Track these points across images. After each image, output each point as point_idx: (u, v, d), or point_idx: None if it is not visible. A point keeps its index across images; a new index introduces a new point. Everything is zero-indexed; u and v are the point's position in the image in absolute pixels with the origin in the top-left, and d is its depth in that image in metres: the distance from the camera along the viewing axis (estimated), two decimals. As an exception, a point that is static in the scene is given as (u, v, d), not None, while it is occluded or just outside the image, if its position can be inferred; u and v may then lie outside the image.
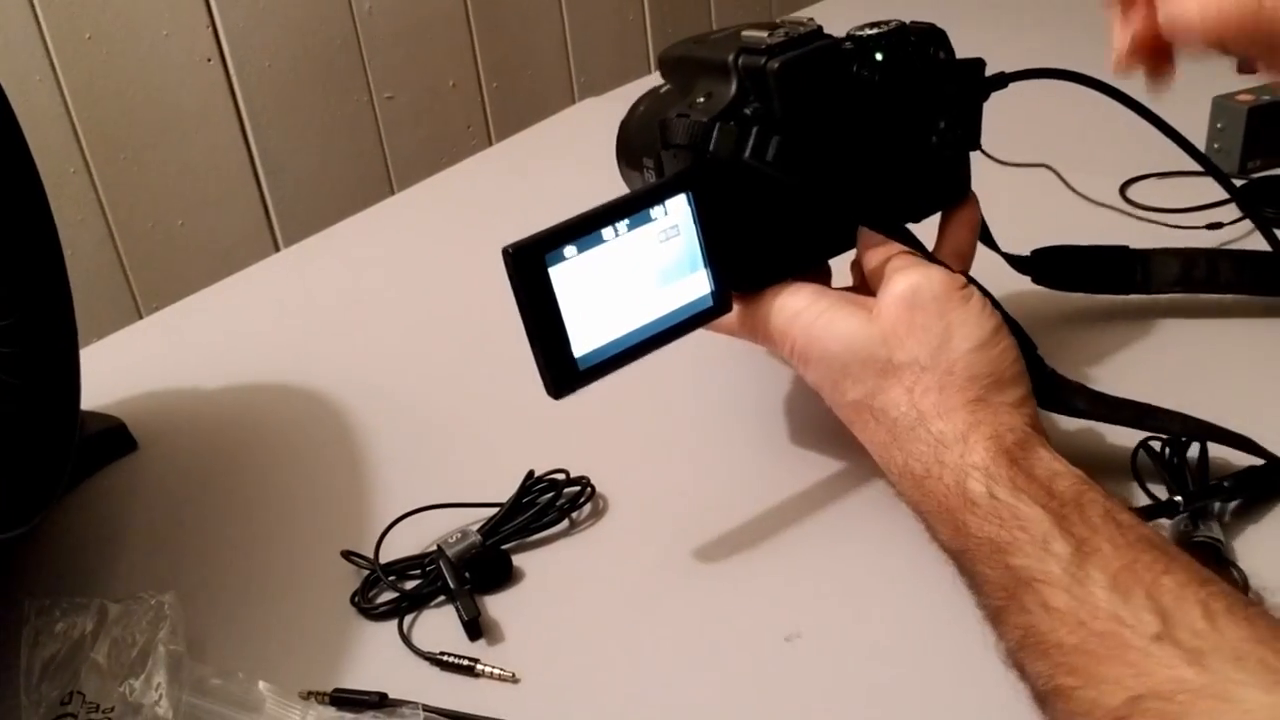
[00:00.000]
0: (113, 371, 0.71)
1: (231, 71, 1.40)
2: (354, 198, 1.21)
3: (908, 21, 0.51)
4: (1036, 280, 0.62)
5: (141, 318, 1.23)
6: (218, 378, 0.70)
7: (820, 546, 0.51)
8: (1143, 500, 0.50)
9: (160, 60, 1.33)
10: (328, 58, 1.48)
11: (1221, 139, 0.77)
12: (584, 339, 0.47)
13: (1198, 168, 0.56)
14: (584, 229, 0.46)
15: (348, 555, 0.53)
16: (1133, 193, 0.76)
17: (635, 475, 0.57)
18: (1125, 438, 0.52)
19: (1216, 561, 0.45)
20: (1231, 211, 0.68)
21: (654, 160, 0.52)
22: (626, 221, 0.47)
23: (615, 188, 0.90)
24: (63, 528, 0.58)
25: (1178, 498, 0.47)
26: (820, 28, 0.49)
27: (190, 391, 0.70)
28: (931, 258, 0.50)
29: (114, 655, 0.46)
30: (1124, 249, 0.63)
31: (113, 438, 0.64)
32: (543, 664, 0.46)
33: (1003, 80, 0.53)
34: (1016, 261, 0.61)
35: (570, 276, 0.46)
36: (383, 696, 0.45)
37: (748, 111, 0.48)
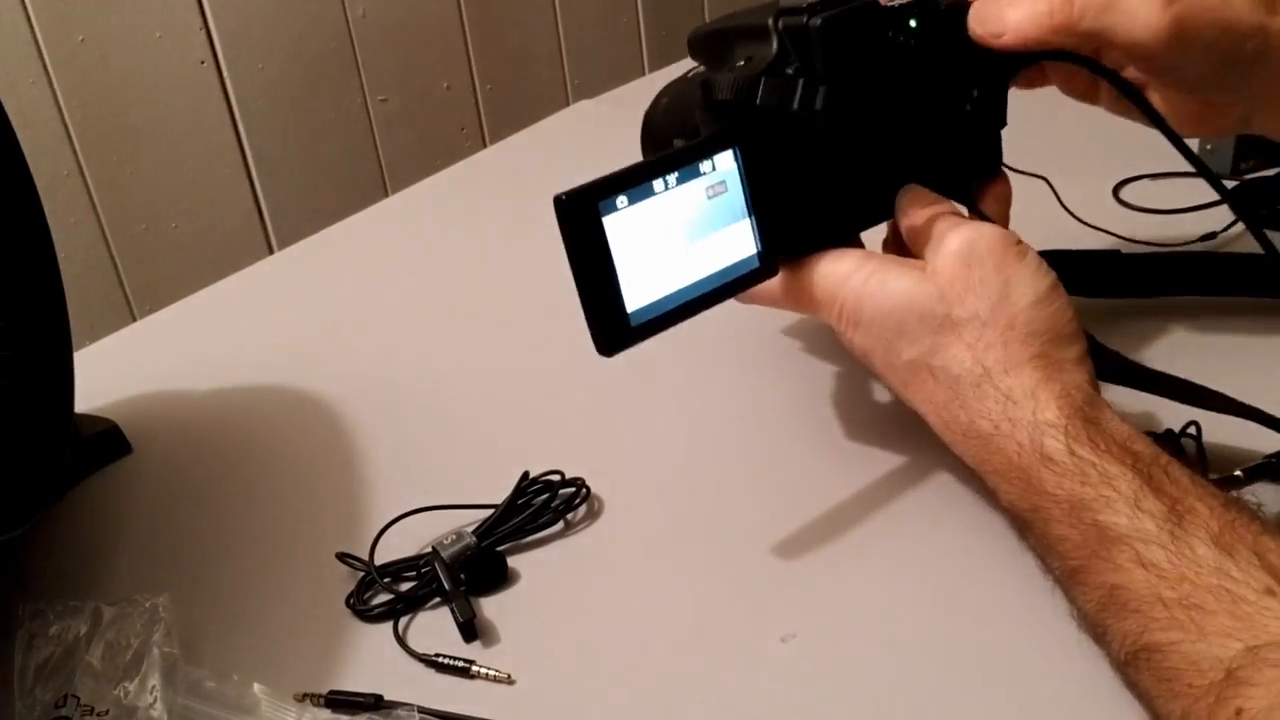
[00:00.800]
0: (106, 374, 0.71)
1: (225, 74, 1.40)
2: (348, 200, 1.21)
3: None
4: None
5: (135, 320, 1.23)
6: (211, 380, 0.70)
7: (815, 547, 0.51)
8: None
9: (153, 63, 1.33)
10: (321, 60, 1.48)
11: (1214, 139, 0.77)
12: (636, 294, 0.46)
13: (1191, 169, 0.56)
14: (636, 179, 0.45)
15: (343, 557, 0.53)
16: (1126, 194, 0.76)
17: (630, 477, 0.57)
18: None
19: None
20: (1224, 212, 0.68)
21: (686, 138, 0.52)
22: (676, 175, 0.46)
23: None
24: (57, 531, 0.58)
25: (1239, 472, 0.48)
26: None
27: (184, 394, 0.69)
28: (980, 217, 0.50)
29: (108, 658, 0.46)
30: (1116, 253, 0.63)
31: (106, 440, 0.63)
32: (538, 665, 0.46)
33: (1029, 58, 0.52)
34: None
35: (623, 228, 0.45)
36: (378, 698, 0.45)
37: (789, 71, 0.48)
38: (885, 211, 0.53)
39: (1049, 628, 0.44)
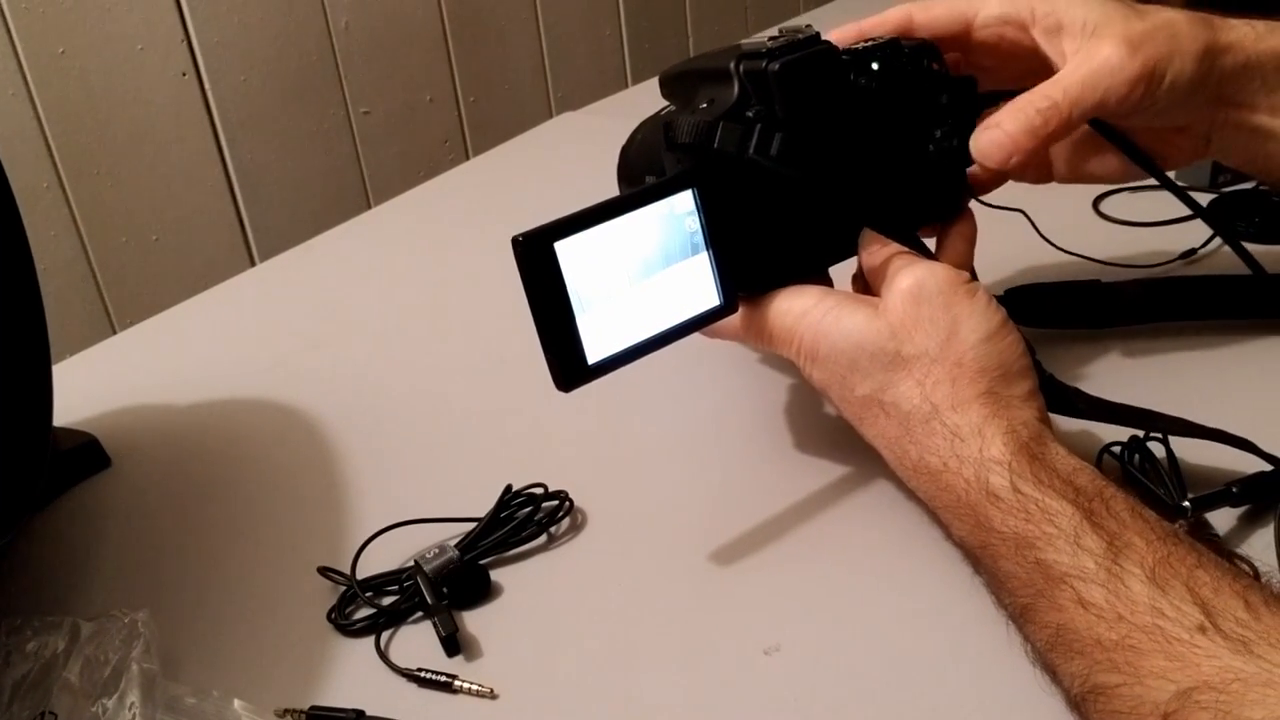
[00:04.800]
0: (86, 387, 0.70)
1: (206, 86, 1.39)
2: (330, 212, 1.21)
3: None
4: (1015, 321, 0.62)
5: (115, 333, 1.22)
6: (192, 393, 0.70)
7: (800, 559, 0.51)
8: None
9: (135, 74, 1.33)
10: (304, 72, 1.48)
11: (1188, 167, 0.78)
12: (593, 334, 0.46)
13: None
14: (593, 219, 0.45)
15: (324, 571, 0.52)
16: (1106, 206, 0.76)
17: (614, 489, 0.56)
18: (1089, 442, 0.52)
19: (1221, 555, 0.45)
20: (1203, 226, 0.68)
21: (656, 174, 0.52)
22: (633, 214, 0.47)
23: (593, 200, 0.90)
24: (34, 545, 0.58)
25: (1186, 502, 0.48)
26: (818, 34, 0.50)
27: (164, 407, 0.69)
28: (935, 259, 0.51)
29: (87, 674, 0.45)
30: (1095, 283, 0.63)
31: (86, 454, 0.63)
32: (521, 680, 0.46)
33: (995, 97, 0.54)
34: None
35: (579, 268, 0.46)
36: (359, 713, 0.44)
37: (750, 114, 0.48)
38: (848, 249, 0.53)
39: (1032, 639, 0.44)
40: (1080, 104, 0.51)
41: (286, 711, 0.45)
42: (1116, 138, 0.55)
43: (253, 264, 1.47)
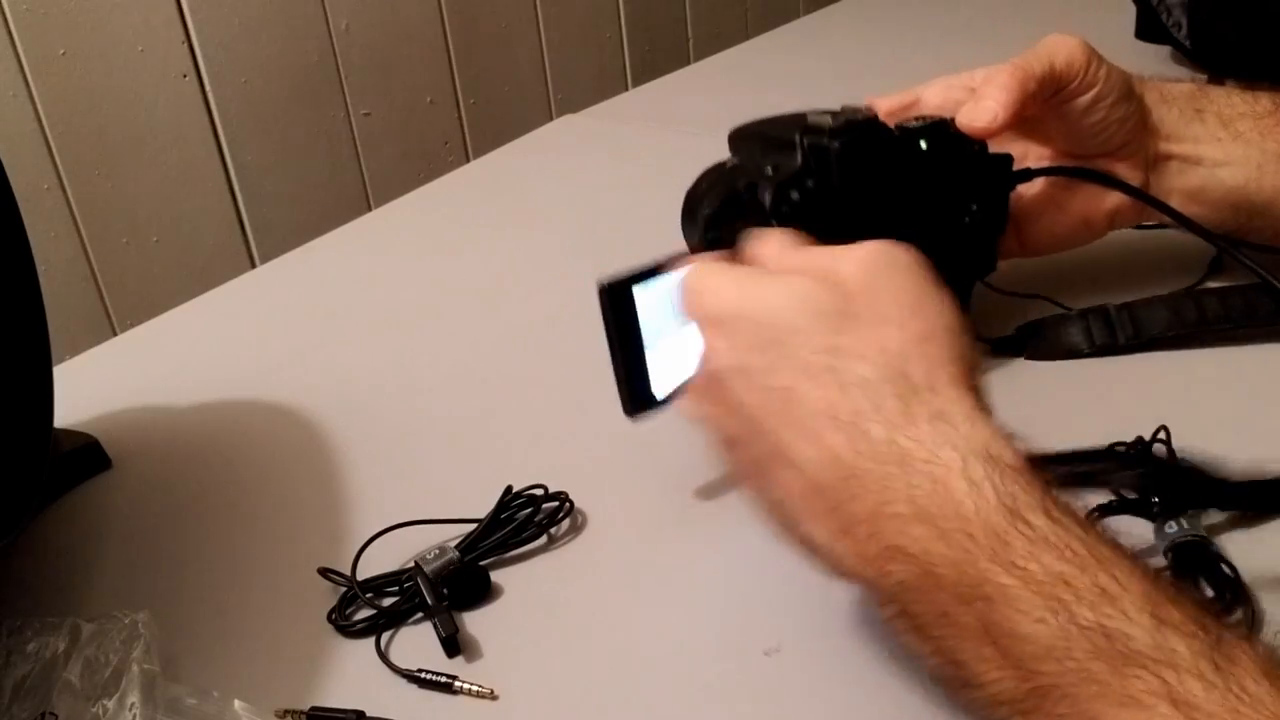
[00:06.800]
0: (86, 389, 0.70)
1: (207, 87, 1.39)
2: (331, 214, 1.20)
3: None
4: (1028, 356, 0.63)
5: (116, 334, 1.22)
6: (193, 395, 0.70)
7: (799, 560, 0.51)
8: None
9: (135, 76, 1.33)
10: (304, 74, 1.48)
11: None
12: (660, 369, 0.51)
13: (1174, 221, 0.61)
14: (665, 269, 0.49)
15: (325, 573, 0.52)
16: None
17: (614, 491, 0.57)
18: (1095, 439, 0.52)
19: (1204, 558, 0.45)
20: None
21: (719, 226, 0.57)
22: None
23: (594, 203, 0.90)
24: (35, 547, 0.58)
25: (1154, 499, 0.48)
26: (876, 115, 0.55)
27: (165, 409, 0.69)
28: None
29: (87, 675, 0.45)
30: (1104, 309, 0.62)
31: (86, 455, 0.63)
32: (521, 681, 0.46)
33: (1028, 174, 0.61)
34: (1004, 343, 0.63)
35: (652, 310, 0.50)
36: (360, 714, 0.45)
37: (810, 183, 0.54)
38: None
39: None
40: (1040, 60, 0.57)
41: (287, 712, 0.45)
42: (1108, 180, 0.61)
43: (253, 265, 1.47)
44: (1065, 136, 0.62)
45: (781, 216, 0.53)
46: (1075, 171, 0.62)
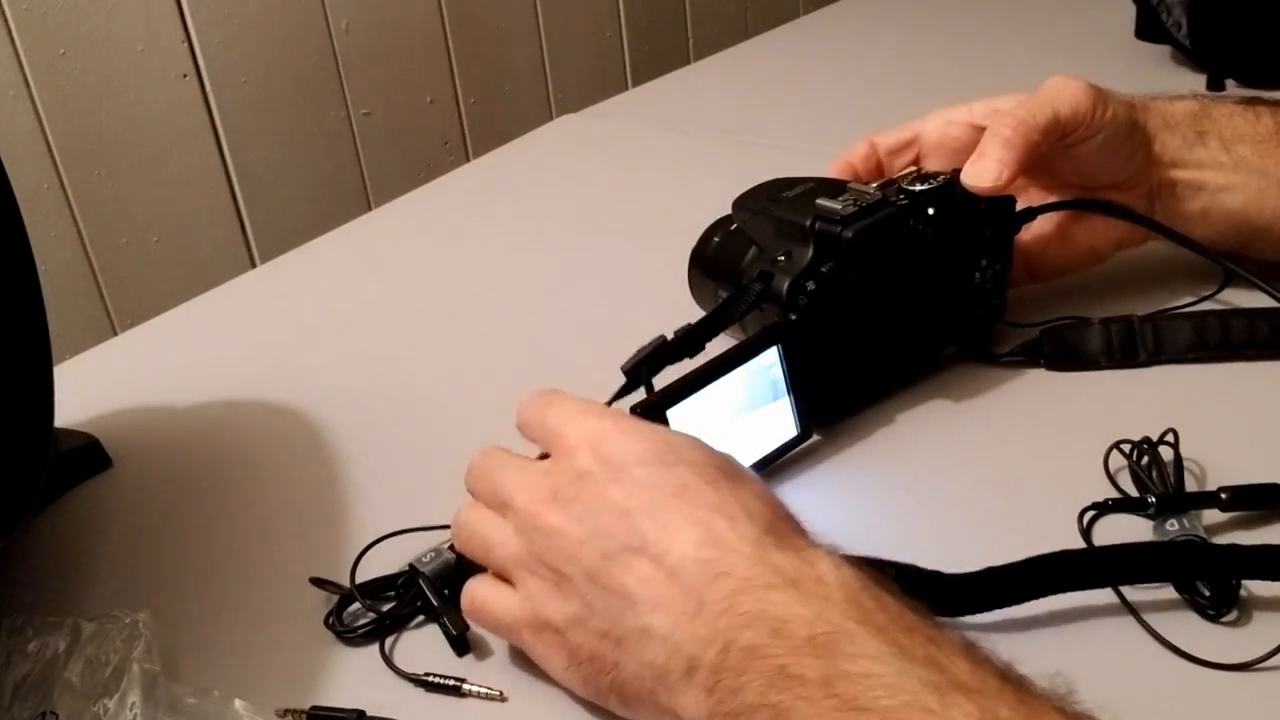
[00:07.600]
0: (87, 388, 0.71)
1: (207, 87, 1.39)
2: (331, 214, 1.20)
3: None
4: (1049, 366, 0.61)
5: (116, 334, 1.22)
6: (193, 395, 0.70)
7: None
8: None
9: (135, 76, 1.33)
10: (305, 74, 1.48)
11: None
12: None
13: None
14: (695, 387, 0.51)
15: (317, 582, 0.52)
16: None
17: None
18: (1098, 439, 0.53)
19: (1198, 559, 0.45)
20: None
21: (729, 288, 0.60)
22: (729, 373, 0.53)
23: (594, 203, 0.90)
24: (36, 546, 0.58)
25: (1150, 498, 0.48)
26: (883, 196, 0.56)
27: (165, 409, 0.69)
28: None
29: (88, 674, 0.45)
30: (1128, 320, 0.61)
31: (87, 455, 0.63)
32: (530, 681, 0.46)
33: (1031, 214, 0.61)
34: (1025, 349, 0.62)
35: (684, 421, 0.51)
36: (360, 714, 0.45)
37: (824, 270, 0.55)
38: (906, 377, 0.60)
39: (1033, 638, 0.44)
40: (1044, 110, 0.57)
41: (287, 711, 0.45)
42: (1113, 209, 0.61)
43: (253, 265, 1.47)
44: (1070, 172, 0.62)
45: (798, 307, 0.55)
46: (1079, 204, 0.62)
